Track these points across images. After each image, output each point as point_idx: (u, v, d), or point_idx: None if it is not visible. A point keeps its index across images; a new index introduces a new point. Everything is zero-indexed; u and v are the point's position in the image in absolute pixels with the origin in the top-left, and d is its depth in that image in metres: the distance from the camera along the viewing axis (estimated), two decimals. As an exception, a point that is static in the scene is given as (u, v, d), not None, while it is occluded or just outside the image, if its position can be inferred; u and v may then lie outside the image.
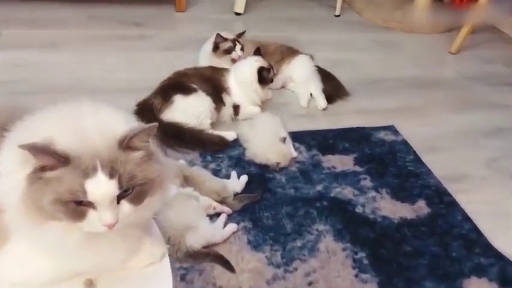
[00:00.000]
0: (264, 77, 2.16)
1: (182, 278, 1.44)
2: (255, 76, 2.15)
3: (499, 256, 1.65)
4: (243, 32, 2.40)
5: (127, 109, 2.02)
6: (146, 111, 2.00)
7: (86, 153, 0.67)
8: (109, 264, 0.76)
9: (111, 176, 0.67)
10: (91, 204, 0.67)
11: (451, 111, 2.49)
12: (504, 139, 2.31)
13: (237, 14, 3.19)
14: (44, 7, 2.92)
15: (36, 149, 0.65)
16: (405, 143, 2.17)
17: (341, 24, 3.31)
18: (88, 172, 0.66)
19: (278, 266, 1.52)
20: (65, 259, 0.73)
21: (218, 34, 2.32)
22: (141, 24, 2.90)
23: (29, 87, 2.20)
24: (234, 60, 2.31)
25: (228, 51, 2.31)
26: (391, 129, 2.25)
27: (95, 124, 0.70)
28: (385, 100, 2.50)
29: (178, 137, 1.92)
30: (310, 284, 1.48)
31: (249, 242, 1.59)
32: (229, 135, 2.02)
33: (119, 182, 0.67)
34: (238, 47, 2.31)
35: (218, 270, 1.48)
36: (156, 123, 0.74)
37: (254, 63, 2.17)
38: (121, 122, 0.73)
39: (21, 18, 2.79)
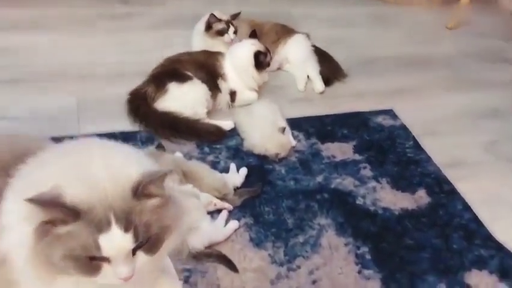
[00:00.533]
0: (261, 61, 2.09)
1: (186, 281, 1.42)
2: (252, 60, 2.08)
3: (499, 247, 1.66)
4: (238, 14, 2.31)
5: (119, 97, 2.00)
6: (138, 100, 1.95)
7: (98, 204, 0.62)
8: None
9: (126, 229, 0.63)
10: (105, 259, 0.63)
11: (448, 92, 2.46)
12: (501, 121, 2.30)
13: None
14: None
15: (44, 203, 0.60)
16: (404, 127, 2.14)
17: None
18: (101, 226, 0.62)
19: (281, 264, 1.51)
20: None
21: (212, 14, 2.23)
22: (128, 1, 2.78)
23: (12, 74, 2.10)
24: (226, 43, 2.24)
25: (221, 33, 2.24)
26: (389, 113, 2.22)
27: (106, 170, 0.66)
28: (382, 81, 2.45)
29: (173, 128, 1.87)
30: (314, 282, 1.48)
31: (251, 239, 1.57)
32: (226, 124, 1.97)
33: (135, 235, 0.64)
34: (231, 29, 2.23)
35: (221, 270, 1.47)
36: (171, 169, 0.70)
37: (250, 46, 2.10)
38: (133, 165, 0.68)
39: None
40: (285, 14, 2.83)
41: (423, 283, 1.52)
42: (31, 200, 0.59)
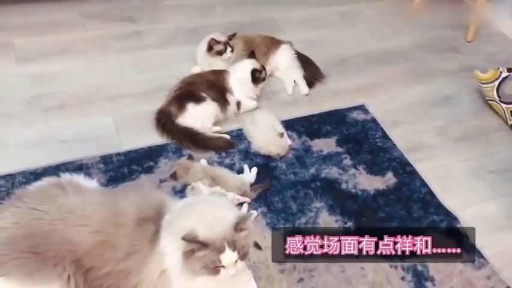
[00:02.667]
0: (257, 77, 2.59)
1: (226, 259, 1.98)
2: (249, 76, 2.58)
3: (447, 213, 2.26)
4: (234, 34, 2.78)
5: (147, 113, 2.45)
6: (164, 117, 2.43)
7: (217, 238, 1.16)
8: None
9: (233, 250, 1.16)
10: (223, 266, 1.17)
11: (406, 84, 3.00)
12: (450, 106, 2.87)
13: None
14: (36, 10, 3.13)
15: (190, 241, 1.13)
16: (374, 120, 2.69)
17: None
18: (221, 250, 1.15)
19: (291, 240, 2.08)
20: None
21: (212, 38, 2.70)
22: (134, 18, 3.19)
23: (57, 100, 2.54)
24: (224, 60, 2.73)
25: (220, 53, 2.71)
26: (362, 108, 2.76)
27: (216, 217, 1.19)
28: (354, 79, 2.98)
29: (192, 141, 2.37)
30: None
31: (267, 224, 2.12)
32: (226, 136, 2.46)
33: (238, 253, 1.17)
34: (228, 49, 2.71)
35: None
36: (255, 213, 1.22)
37: (248, 65, 2.60)
38: (230, 212, 1.21)
39: (19, 24, 3.02)
40: (269, 19, 3.30)
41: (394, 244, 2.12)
42: (184, 239, 1.12)
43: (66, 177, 1.41)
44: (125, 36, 3.05)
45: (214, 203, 1.23)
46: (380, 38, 3.36)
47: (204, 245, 1.13)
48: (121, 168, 2.26)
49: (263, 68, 2.63)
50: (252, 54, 2.67)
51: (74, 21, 3.10)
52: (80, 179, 1.42)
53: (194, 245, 1.13)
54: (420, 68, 3.14)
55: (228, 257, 1.15)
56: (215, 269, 1.15)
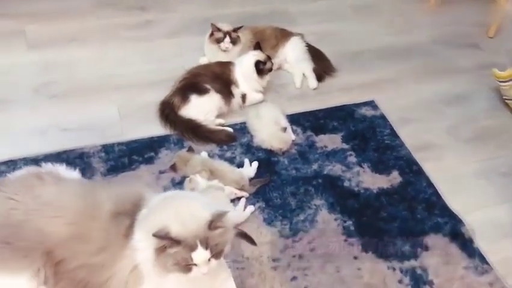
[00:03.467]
0: (261, 68, 2.55)
1: (219, 253, 1.96)
2: (253, 68, 2.54)
3: (452, 215, 2.18)
4: (240, 27, 2.74)
5: (152, 104, 2.43)
6: (167, 109, 2.42)
7: (189, 235, 1.13)
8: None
9: (206, 248, 1.14)
10: (195, 264, 1.15)
11: (420, 81, 2.91)
12: (464, 105, 2.77)
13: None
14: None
15: (161, 237, 1.11)
16: (383, 117, 2.62)
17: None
18: (193, 248, 1.13)
19: (287, 237, 2.04)
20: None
21: (212, 24, 2.68)
22: (145, 8, 3.19)
23: (62, 88, 2.56)
24: (223, 50, 2.69)
25: (218, 41, 2.68)
26: (371, 104, 2.69)
27: (191, 214, 1.17)
28: (366, 73, 2.90)
29: (194, 133, 2.35)
30: (312, 250, 2.00)
31: (264, 220, 2.09)
32: (229, 129, 2.43)
33: (211, 251, 1.15)
34: (227, 39, 2.67)
35: (244, 244, 1.98)
36: (229, 210, 1.20)
37: (252, 57, 2.55)
38: (205, 209, 1.18)
39: (31, 11, 3.04)
40: (283, 11, 3.24)
41: (393, 246, 2.04)
42: (155, 235, 1.10)
43: (46, 167, 1.41)
44: (136, 26, 3.05)
45: (191, 199, 1.21)
46: (396, 33, 3.27)
47: (175, 242, 1.11)
48: (121, 158, 2.26)
49: (269, 58, 2.58)
50: (257, 46, 2.62)
51: (86, 9, 3.12)
52: (60, 169, 1.42)
53: (165, 241, 1.11)
54: (436, 65, 3.04)
55: (200, 255, 1.13)
56: (187, 266, 1.14)
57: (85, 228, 1.16)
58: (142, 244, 1.13)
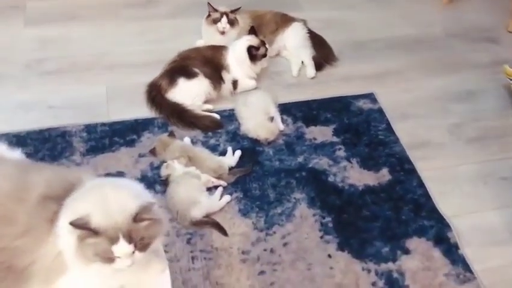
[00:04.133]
0: (254, 54, 2.46)
1: (188, 242, 1.91)
2: (246, 54, 2.46)
3: (439, 219, 2.06)
4: (238, 8, 2.66)
5: (142, 85, 2.38)
6: (155, 91, 2.38)
7: (111, 227, 1.08)
8: (130, 281, 1.22)
9: (129, 242, 1.09)
10: (117, 257, 1.10)
11: (428, 75, 2.75)
12: (470, 103, 2.59)
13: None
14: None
15: (78, 226, 1.07)
16: (380, 111, 2.50)
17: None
18: (114, 240, 1.08)
19: (261, 230, 1.97)
20: (101, 282, 1.18)
21: (209, 3, 2.61)
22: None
23: (57, 65, 2.56)
24: (220, 32, 2.61)
25: (215, 22, 2.61)
26: (370, 97, 2.57)
27: (116, 203, 1.11)
28: (370, 64, 2.77)
29: (180, 117, 2.30)
30: (285, 244, 1.94)
31: (240, 210, 2.03)
32: (215, 116, 2.36)
33: (134, 244, 1.10)
34: (224, 19, 2.59)
35: (215, 234, 1.94)
36: (154, 202, 1.14)
37: (245, 42, 2.47)
38: (133, 199, 1.13)
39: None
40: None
41: (371, 247, 1.95)
42: (71, 224, 1.06)
43: (-13, 145, 1.39)
44: (137, 5, 3.01)
45: (121, 187, 1.15)
46: (409, 24, 3.10)
47: (94, 232, 1.06)
48: (103, 139, 2.23)
49: (263, 44, 2.49)
50: (252, 30, 2.54)
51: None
52: (1, 149, 1.40)
53: (83, 231, 1.06)
54: (447, 58, 2.87)
55: (122, 248, 1.08)
56: (109, 258, 1.09)
57: (10, 211, 1.13)
58: (65, 231, 1.09)
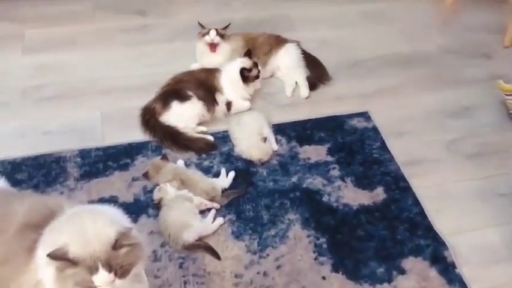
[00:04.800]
0: (246, 76, 2.48)
1: (180, 266, 1.90)
2: (239, 75, 2.48)
3: (435, 237, 2.03)
4: (227, 25, 2.73)
5: (135, 110, 2.40)
6: (149, 114, 2.39)
7: (89, 256, 1.08)
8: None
9: (109, 270, 1.09)
10: (97, 286, 1.10)
11: (424, 91, 2.74)
12: (467, 119, 2.58)
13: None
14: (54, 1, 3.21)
15: (55, 258, 1.07)
16: (375, 129, 2.49)
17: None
18: (93, 270, 1.08)
19: (254, 253, 1.95)
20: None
21: (199, 22, 2.70)
22: (145, 12, 3.18)
23: (53, 92, 2.58)
24: (210, 45, 2.65)
25: (204, 36, 2.66)
26: (364, 115, 2.56)
27: (94, 232, 1.11)
28: (364, 83, 2.76)
29: (173, 140, 2.31)
30: (278, 267, 1.91)
31: (233, 233, 2.02)
32: (209, 138, 2.38)
33: (115, 272, 1.09)
34: (213, 32, 2.63)
35: (208, 258, 1.93)
36: (131, 227, 1.14)
37: (238, 64, 2.50)
38: (111, 226, 1.13)
39: (33, 15, 3.10)
40: (284, 17, 3.16)
41: (365, 267, 1.92)
42: (49, 256, 1.06)
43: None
44: (133, 30, 3.04)
45: (98, 214, 1.15)
46: (404, 40, 3.10)
47: (73, 263, 1.06)
48: (96, 164, 2.24)
49: (255, 66, 2.51)
50: (247, 53, 2.56)
51: (87, 13, 3.14)
52: (-16, 177, 1.41)
53: (62, 262, 1.06)
54: (442, 75, 2.87)
55: (101, 277, 1.07)
56: (89, 287, 1.08)
57: (-11, 241, 1.13)
58: (43, 261, 1.09)
